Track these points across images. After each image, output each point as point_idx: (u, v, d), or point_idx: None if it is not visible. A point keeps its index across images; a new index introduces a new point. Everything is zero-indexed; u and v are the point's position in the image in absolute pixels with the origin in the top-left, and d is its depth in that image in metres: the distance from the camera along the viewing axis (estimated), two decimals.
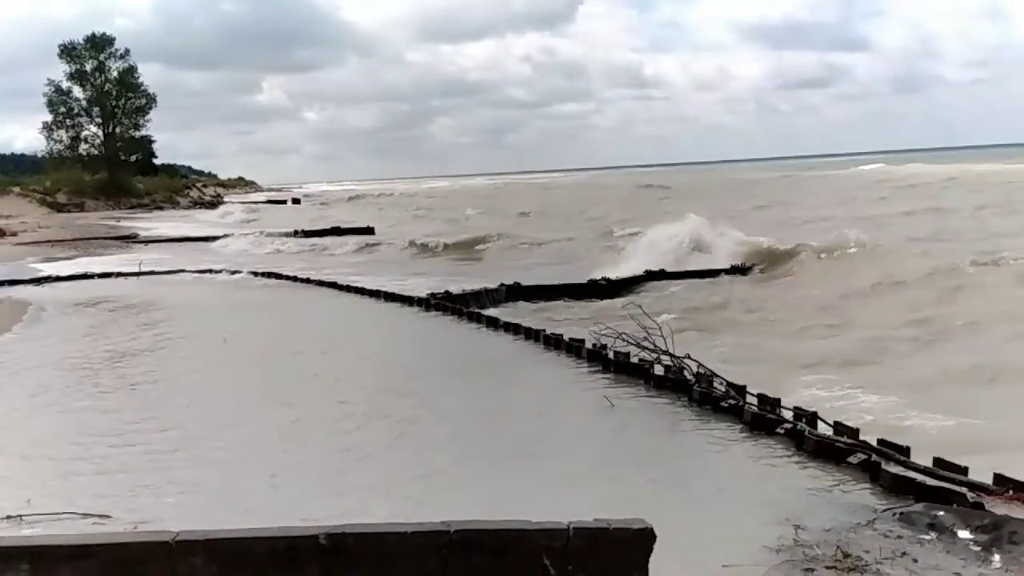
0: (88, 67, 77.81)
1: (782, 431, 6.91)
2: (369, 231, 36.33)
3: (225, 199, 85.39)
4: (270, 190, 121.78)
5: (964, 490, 5.44)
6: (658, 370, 8.86)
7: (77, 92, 78.48)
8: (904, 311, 13.76)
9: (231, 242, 33.97)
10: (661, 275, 18.07)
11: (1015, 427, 7.82)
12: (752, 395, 7.70)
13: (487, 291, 16.16)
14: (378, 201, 72.35)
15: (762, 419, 7.16)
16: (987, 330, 12.11)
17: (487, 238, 29.20)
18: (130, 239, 37.29)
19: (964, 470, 5.81)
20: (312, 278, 19.35)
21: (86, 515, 5.43)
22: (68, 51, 77.41)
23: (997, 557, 4.62)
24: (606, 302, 15.86)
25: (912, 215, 31.80)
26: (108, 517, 5.42)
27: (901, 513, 5.19)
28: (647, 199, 52.50)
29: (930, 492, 5.47)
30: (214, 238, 35.41)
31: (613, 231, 28.46)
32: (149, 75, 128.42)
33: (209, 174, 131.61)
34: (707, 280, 17.94)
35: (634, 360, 9.26)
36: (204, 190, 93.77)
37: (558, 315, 14.66)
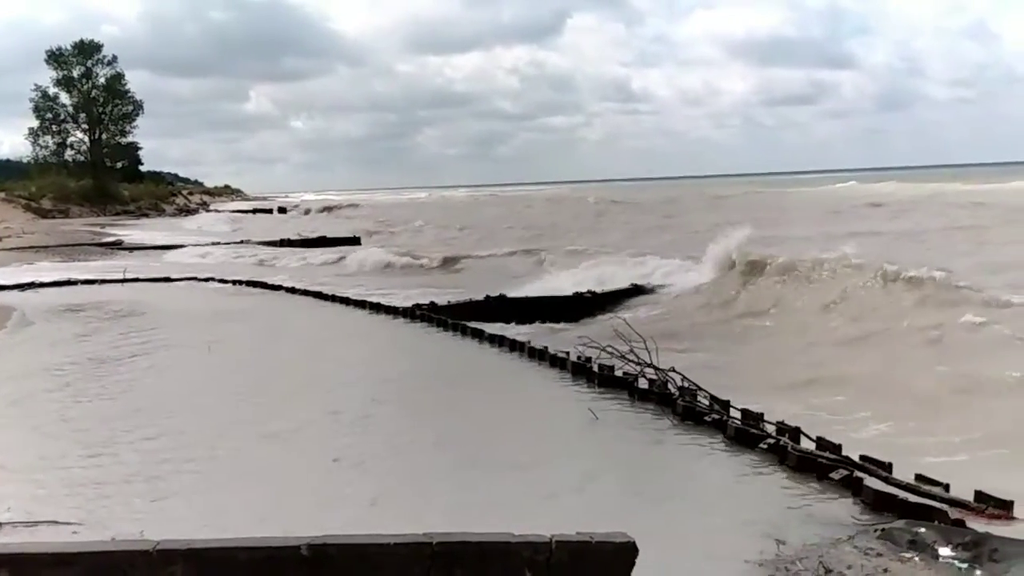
0: (75, 73, 77.67)
1: (765, 446, 6.93)
2: (355, 241, 36.34)
3: (211, 207, 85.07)
4: (256, 199, 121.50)
5: (945, 507, 5.46)
6: (642, 383, 8.87)
7: (64, 98, 78.44)
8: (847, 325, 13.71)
9: (216, 250, 33.91)
10: (646, 289, 18.11)
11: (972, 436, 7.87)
12: (736, 409, 7.72)
13: (472, 302, 16.17)
14: (346, 212, 72.65)
15: (745, 433, 7.18)
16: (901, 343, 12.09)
17: (425, 254, 29.29)
18: (114, 246, 37.14)
19: (946, 487, 5.84)
20: (297, 287, 19.32)
21: (65, 523, 5.39)
22: (55, 57, 77.24)
23: (979, 574, 4.64)
24: (589, 314, 15.92)
25: (871, 235, 31.65)
26: (85, 526, 5.37)
27: (882, 530, 5.20)
28: (607, 214, 52.55)
29: (912, 509, 5.48)
30: (198, 246, 35.31)
31: (547, 248, 28.61)
32: (136, 82, 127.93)
33: (195, 182, 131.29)
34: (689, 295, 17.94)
35: (618, 373, 9.28)
36: (190, 198, 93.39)
37: (543, 328, 14.67)
